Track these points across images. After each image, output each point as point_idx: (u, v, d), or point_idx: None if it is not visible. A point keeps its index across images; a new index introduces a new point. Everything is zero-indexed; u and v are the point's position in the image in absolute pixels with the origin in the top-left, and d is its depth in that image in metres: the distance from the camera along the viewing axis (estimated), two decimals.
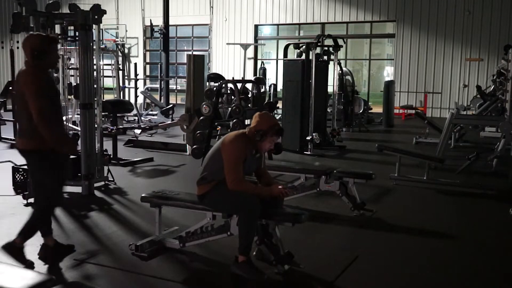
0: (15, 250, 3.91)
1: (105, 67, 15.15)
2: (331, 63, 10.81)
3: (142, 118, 13.63)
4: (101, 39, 15.08)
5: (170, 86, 18.19)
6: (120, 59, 15.02)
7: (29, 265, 3.88)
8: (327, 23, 19.10)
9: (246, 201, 3.79)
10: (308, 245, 4.59)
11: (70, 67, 8.46)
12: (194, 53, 14.28)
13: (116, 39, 19.53)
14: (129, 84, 15.88)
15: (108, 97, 13.48)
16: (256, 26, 20.48)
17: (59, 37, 6.26)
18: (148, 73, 23.01)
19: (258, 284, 3.80)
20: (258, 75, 15.20)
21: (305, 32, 20.50)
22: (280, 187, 3.98)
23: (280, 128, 3.97)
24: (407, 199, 6.46)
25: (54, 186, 4.03)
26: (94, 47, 6.30)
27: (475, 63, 17.07)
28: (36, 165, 3.96)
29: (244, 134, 3.98)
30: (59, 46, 8.58)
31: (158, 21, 17.49)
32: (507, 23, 16.49)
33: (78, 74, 6.56)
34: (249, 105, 10.63)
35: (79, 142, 6.21)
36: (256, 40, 20.25)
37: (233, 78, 9.67)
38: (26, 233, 3.98)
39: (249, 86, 11.87)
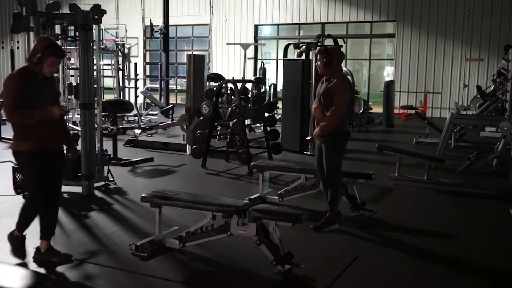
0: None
1: (105, 67, 15.15)
2: None
3: (142, 118, 13.63)
4: (101, 39, 15.08)
5: (170, 86, 18.19)
6: (120, 59, 15.01)
7: None
8: (327, 23, 19.10)
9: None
10: (308, 245, 4.59)
11: (70, 67, 8.47)
12: (194, 53, 14.27)
13: (116, 39, 19.52)
14: (129, 84, 15.88)
15: (108, 97, 13.49)
16: (256, 26, 20.48)
17: (59, 37, 6.26)
18: (148, 73, 23.01)
19: (259, 284, 3.81)
20: (258, 75, 15.21)
21: (305, 32, 20.49)
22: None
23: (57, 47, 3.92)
24: (407, 199, 6.46)
25: None
26: (94, 47, 6.31)
27: (475, 63, 17.06)
28: None
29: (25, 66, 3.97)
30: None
31: (158, 21, 17.49)
32: (507, 23, 16.49)
33: (78, 74, 6.57)
34: (249, 105, 10.64)
35: (79, 142, 6.21)
36: (256, 40, 20.25)
37: (233, 78, 9.66)
38: None
39: (249, 86, 11.87)
